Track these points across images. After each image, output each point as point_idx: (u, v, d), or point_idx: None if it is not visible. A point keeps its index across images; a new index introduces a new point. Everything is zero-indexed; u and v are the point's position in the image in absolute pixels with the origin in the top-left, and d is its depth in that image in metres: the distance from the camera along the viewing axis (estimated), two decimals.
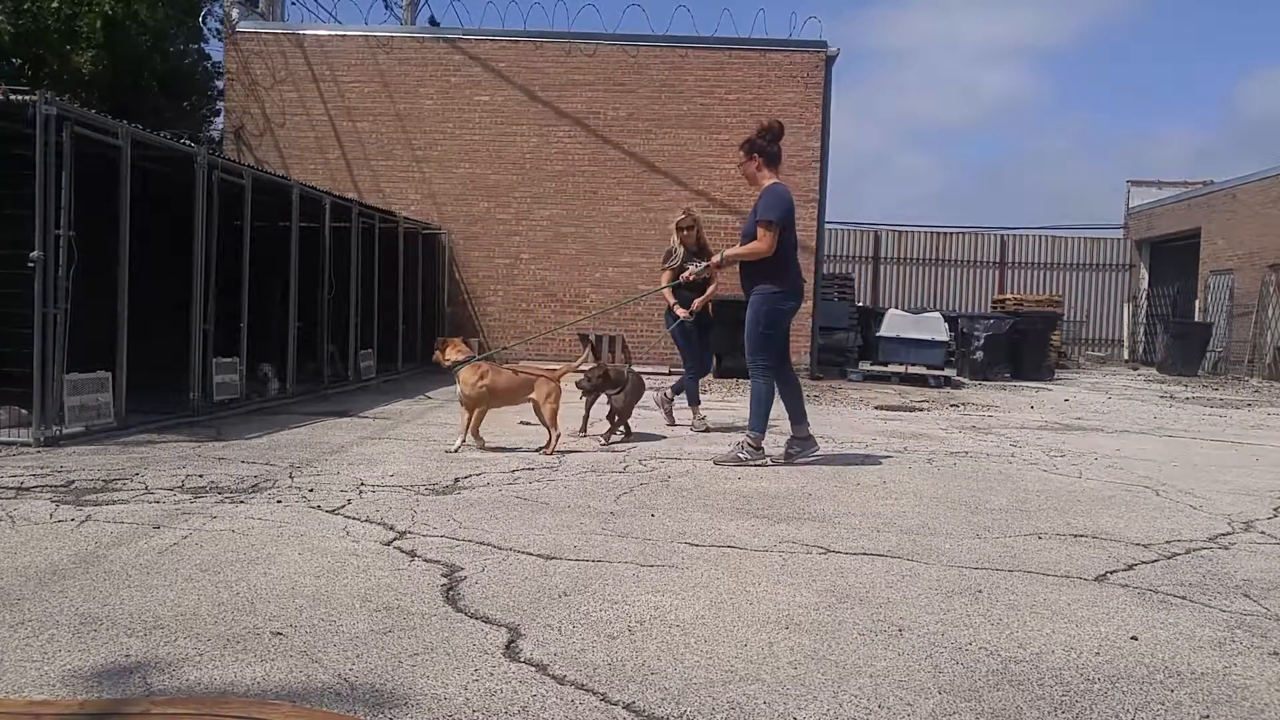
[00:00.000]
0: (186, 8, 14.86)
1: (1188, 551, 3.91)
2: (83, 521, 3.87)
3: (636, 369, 7.28)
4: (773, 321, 5.82)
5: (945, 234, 22.29)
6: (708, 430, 7.37)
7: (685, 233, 7.66)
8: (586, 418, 7.05)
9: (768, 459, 5.81)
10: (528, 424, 7.58)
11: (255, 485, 4.74)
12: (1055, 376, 15.39)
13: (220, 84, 15.50)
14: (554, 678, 2.39)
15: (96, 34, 12.48)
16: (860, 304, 17.18)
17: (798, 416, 5.94)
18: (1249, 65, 76.65)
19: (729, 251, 6.08)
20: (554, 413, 6.15)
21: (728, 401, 9.80)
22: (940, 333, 13.71)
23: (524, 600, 3.01)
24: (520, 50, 14.06)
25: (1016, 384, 13.97)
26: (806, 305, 13.63)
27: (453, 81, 14.09)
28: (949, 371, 13.84)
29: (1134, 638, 2.83)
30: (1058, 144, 74.40)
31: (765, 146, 6.01)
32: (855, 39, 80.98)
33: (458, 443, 6.03)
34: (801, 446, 5.92)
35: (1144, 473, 5.98)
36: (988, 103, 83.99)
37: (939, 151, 74.94)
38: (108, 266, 6.50)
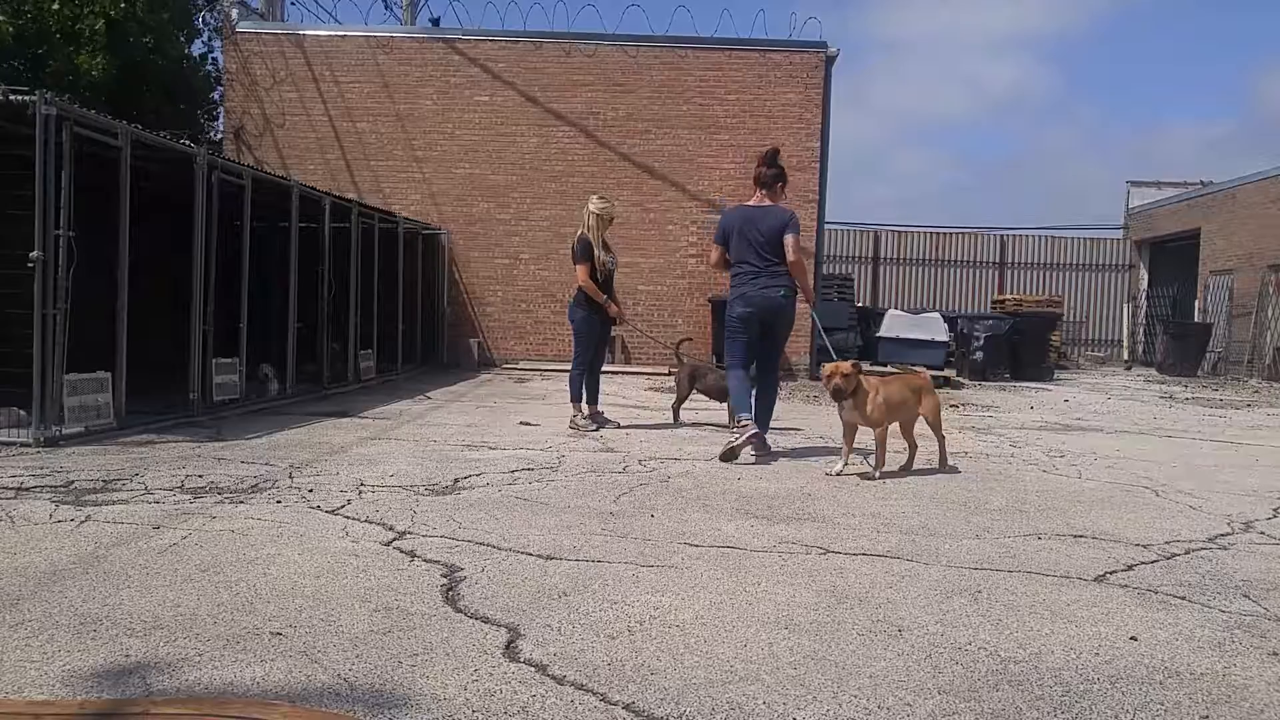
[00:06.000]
0: (185, 8, 14.85)
1: (1187, 552, 3.91)
2: (82, 522, 3.87)
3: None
4: (727, 327, 6.32)
5: (945, 234, 22.28)
6: (583, 429, 7.26)
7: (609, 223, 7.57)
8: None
9: (744, 439, 5.96)
10: (528, 424, 7.59)
11: (255, 485, 4.74)
12: (1055, 377, 15.39)
13: (220, 86, 15.50)
14: (554, 678, 2.39)
15: (98, 35, 12.47)
16: (860, 304, 17.18)
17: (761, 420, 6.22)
18: (1263, 59, 76.38)
19: None
20: (940, 424, 5.86)
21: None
22: (940, 333, 13.72)
23: (524, 600, 3.01)
24: (520, 51, 14.06)
25: (1016, 384, 13.97)
26: (805, 306, 13.66)
27: (452, 82, 14.09)
28: (948, 372, 13.84)
29: (1133, 638, 2.83)
30: (1061, 141, 74.30)
31: (754, 170, 6.43)
32: (853, 32, 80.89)
33: (839, 466, 5.53)
34: (755, 447, 6.05)
35: (1143, 473, 5.98)
36: (989, 98, 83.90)
37: (939, 148, 74.88)
38: (108, 266, 6.50)
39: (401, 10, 18.13)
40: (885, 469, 5.49)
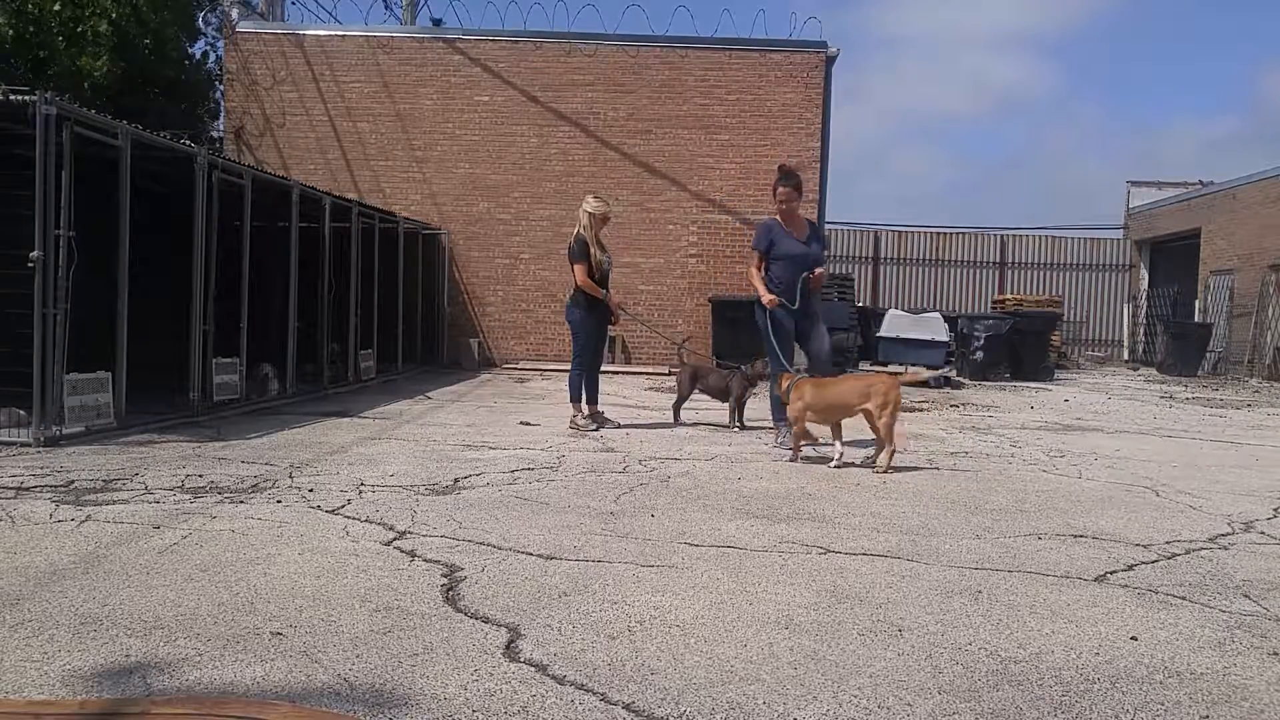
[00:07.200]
0: (187, 9, 14.84)
1: (1187, 552, 3.91)
2: (83, 521, 3.87)
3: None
4: None
5: (945, 234, 22.27)
6: (583, 429, 7.27)
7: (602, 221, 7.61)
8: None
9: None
10: (528, 424, 7.59)
11: (255, 485, 4.74)
12: (1055, 377, 15.38)
13: (221, 87, 15.50)
14: (554, 678, 2.39)
15: (101, 37, 12.46)
16: (860, 304, 17.17)
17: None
18: (1265, 58, 76.01)
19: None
20: (890, 425, 5.67)
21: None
22: (940, 333, 13.70)
23: (524, 600, 3.01)
24: (520, 50, 14.07)
25: (1016, 384, 13.96)
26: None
27: (453, 82, 14.10)
28: (949, 372, 13.83)
29: (1134, 638, 2.83)
30: (1062, 141, 74.12)
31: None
32: (852, 29, 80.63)
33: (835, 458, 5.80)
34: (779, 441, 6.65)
35: (1144, 473, 5.98)
36: (990, 96, 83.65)
37: (939, 147, 74.76)
38: (108, 266, 6.50)
39: (401, 10, 18.12)
40: (883, 465, 5.54)
